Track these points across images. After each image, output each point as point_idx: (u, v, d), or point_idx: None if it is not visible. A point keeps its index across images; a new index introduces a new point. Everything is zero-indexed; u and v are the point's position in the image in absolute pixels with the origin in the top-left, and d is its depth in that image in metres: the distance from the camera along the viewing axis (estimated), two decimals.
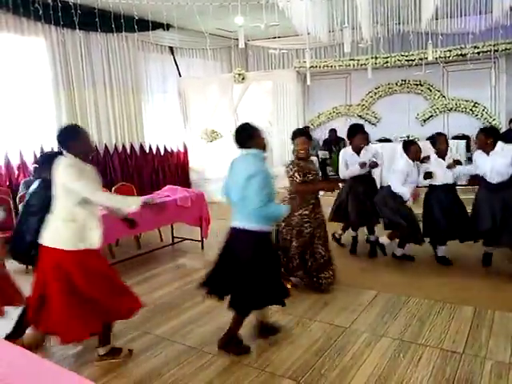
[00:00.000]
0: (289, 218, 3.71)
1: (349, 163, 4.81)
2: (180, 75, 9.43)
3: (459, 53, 8.22)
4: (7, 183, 6.45)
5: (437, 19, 7.63)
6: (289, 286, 3.66)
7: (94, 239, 2.65)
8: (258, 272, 2.74)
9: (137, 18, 8.00)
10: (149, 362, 2.87)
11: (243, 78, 8.98)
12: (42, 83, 7.10)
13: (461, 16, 7.97)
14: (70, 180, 2.54)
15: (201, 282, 2.99)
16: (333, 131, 8.90)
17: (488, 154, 3.98)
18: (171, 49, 9.45)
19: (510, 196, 3.88)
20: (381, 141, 8.50)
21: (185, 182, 8.94)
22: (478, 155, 4.12)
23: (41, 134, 7.00)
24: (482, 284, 3.89)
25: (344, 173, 4.85)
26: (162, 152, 8.89)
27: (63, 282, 2.57)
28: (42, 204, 2.86)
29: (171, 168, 8.95)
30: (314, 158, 8.22)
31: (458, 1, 7.08)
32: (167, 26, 8.88)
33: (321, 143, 9.02)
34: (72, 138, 2.66)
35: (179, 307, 3.75)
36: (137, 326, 3.39)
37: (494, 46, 8.06)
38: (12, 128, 6.69)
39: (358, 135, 4.76)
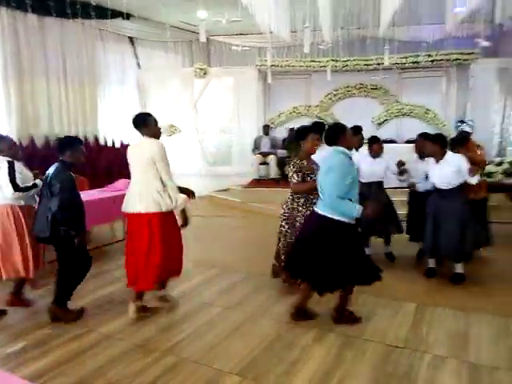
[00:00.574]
0: (292, 219, 3.66)
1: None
2: (139, 67, 9.19)
3: (414, 60, 8.57)
4: None
5: (394, 26, 7.88)
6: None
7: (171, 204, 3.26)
8: (338, 255, 2.96)
9: (95, 4, 7.75)
10: (93, 360, 2.78)
11: (205, 73, 8.92)
12: None
13: (416, 25, 8.34)
14: (162, 159, 3.24)
15: (282, 267, 3.39)
16: (292, 130, 8.99)
17: (437, 161, 3.97)
18: (131, 39, 9.20)
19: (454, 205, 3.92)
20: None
21: None
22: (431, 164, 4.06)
23: None
24: (423, 282, 4.07)
25: None
26: (118, 145, 8.64)
27: (157, 239, 3.23)
28: (62, 185, 3.16)
29: (127, 161, 8.69)
30: (272, 157, 8.35)
31: (414, 10, 7.36)
32: (127, 15, 8.62)
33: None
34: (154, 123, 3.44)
35: (127, 305, 3.65)
36: (83, 324, 3.28)
37: (446, 55, 8.46)
38: None
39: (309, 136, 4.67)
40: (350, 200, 2.93)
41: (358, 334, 3.08)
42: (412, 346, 2.91)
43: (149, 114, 3.53)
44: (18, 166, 3.51)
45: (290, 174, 3.65)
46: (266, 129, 8.84)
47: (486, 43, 7.49)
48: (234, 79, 9.11)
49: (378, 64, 8.53)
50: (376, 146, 4.56)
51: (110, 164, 8.33)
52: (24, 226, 3.46)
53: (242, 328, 3.21)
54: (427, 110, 9.11)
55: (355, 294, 3.28)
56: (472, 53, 8.37)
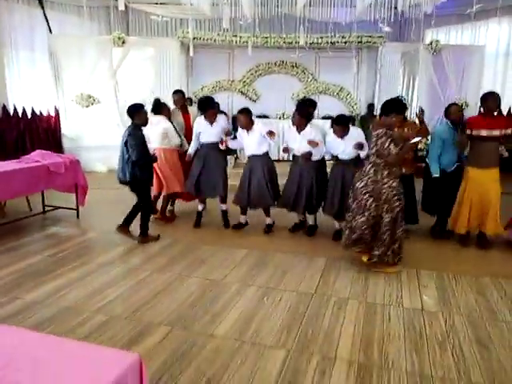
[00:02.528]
0: (377, 191, 3.57)
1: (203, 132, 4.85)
2: (51, 32, 8.58)
3: (329, 40, 9.07)
4: None
5: (310, 7, 8.26)
6: (365, 260, 3.78)
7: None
8: None
9: None
10: (20, 324, 2.81)
11: (123, 42, 8.60)
12: None
13: (331, 6, 8.81)
14: None
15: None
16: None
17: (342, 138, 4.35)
18: (40, 1, 8.51)
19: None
20: (260, 117, 9.01)
21: (57, 148, 8.30)
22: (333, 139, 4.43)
23: None
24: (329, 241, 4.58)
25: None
26: (29, 115, 8.10)
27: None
28: (136, 141, 4.12)
29: (40, 133, 8.23)
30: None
31: None
32: None
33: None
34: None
35: (51, 273, 3.65)
36: (5, 292, 3.25)
37: (357, 37, 9.09)
38: None
39: (209, 111, 4.75)
40: None
41: (274, 286, 3.45)
42: (320, 292, 3.36)
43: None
44: None
45: (386, 145, 3.49)
46: (190, 101, 8.85)
47: (387, 28, 8.18)
48: (155, 50, 8.90)
49: (296, 42, 8.90)
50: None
51: (22, 135, 7.83)
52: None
53: (170, 287, 3.42)
54: (341, 88, 9.76)
55: (270, 252, 3.63)
56: (381, 36, 9.10)
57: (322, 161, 4.63)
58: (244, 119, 4.56)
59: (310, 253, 4.19)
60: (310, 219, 4.75)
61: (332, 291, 3.38)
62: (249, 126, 4.59)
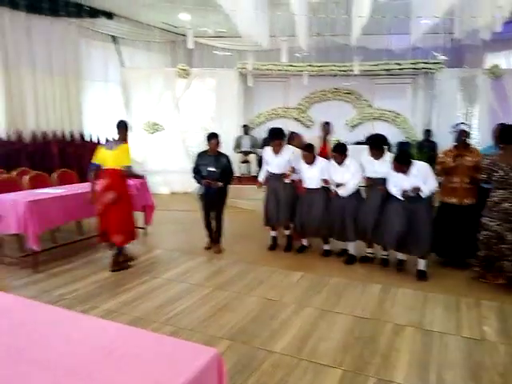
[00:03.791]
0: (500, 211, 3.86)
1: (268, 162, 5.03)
2: (123, 65, 9.44)
3: (384, 68, 9.18)
4: None
5: (364, 35, 8.45)
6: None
7: None
8: None
9: (78, 2, 7.98)
10: None
11: (187, 74, 9.25)
12: None
13: (385, 34, 8.96)
14: None
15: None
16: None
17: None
18: (114, 38, 9.43)
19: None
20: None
21: None
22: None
23: None
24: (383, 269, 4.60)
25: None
26: (103, 141, 8.87)
27: None
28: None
29: None
30: (252, 156, 8.78)
31: (383, 20, 7.94)
32: (111, 15, 8.89)
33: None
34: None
35: (124, 286, 4.01)
36: (85, 301, 3.62)
37: (413, 64, 9.12)
38: None
39: (275, 141, 4.90)
40: None
41: (330, 309, 3.56)
42: (376, 317, 3.42)
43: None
44: None
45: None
46: (246, 129, 9.27)
47: (442, 57, 8.16)
48: (216, 80, 9.48)
49: (351, 70, 9.09)
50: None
51: None
52: None
53: (230, 304, 3.64)
54: (397, 114, 9.76)
55: (325, 277, 3.75)
56: (438, 62, 9.07)
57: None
58: (309, 156, 4.77)
59: (365, 279, 4.24)
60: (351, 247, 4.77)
61: (388, 317, 3.43)
62: (312, 160, 4.80)
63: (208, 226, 5.16)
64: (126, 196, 4.44)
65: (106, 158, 4.35)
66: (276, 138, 4.91)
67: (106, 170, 4.34)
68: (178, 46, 10.98)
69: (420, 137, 9.34)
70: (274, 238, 5.24)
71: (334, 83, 9.91)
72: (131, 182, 5.58)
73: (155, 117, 9.25)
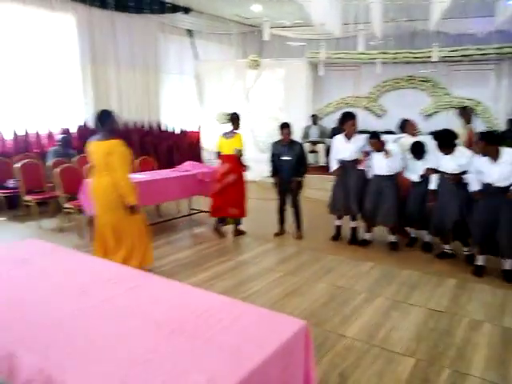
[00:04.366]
0: None
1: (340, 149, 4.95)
2: (197, 58, 9.83)
3: (464, 53, 8.65)
4: (36, 150, 6.96)
5: (444, 19, 8.02)
6: None
7: None
8: None
9: (161, 0, 8.43)
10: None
11: (257, 65, 9.41)
12: (70, 58, 7.53)
13: (465, 18, 8.41)
14: None
15: None
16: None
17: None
18: (189, 32, 9.83)
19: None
20: (385, 133, 8.97)
21: (196, 159, 9.42)
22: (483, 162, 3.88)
23: (68, 106, 7.47)
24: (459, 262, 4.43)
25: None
26: (177, 131, 9.36)
27: None
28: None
29: (184, 146, 9.44)
30: (321, 146, 8.78)
31: (464, 3, 7.47)
32: (187, 10, 9.26)
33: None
34: None
35: (201, 266, 4.28)
36: (168, 277, 3.93)
37: (497, 48, 8.49)
38: (40, 100, 7.14)
39: (348, 122, 4.85)
40: None
41: (403, 300, 3.54)
42: (451, 311, 3.35)
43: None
44: None
45: None
46: (315, 118, 9.26)
47: None
48: (285, 70, 9.55)
49: (427, 57, 8.68)
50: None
51: (171, 148, 9.08)
52: None
53: (300, 289, 3.76)
54: (478, 103, 9.17)
55: (396, 269, 3.72)
56: None
57: None
58: (377, 143, 4.69)
59: (439, 273, 4.14)
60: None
61: (464, 311, 3.34)
62: (380, 147, 4.73)
63: (281, 212, 5.31)
64: (241, 178, 5.15)
65: (224, 146, 5.14)
66: (349, 118, 4.84)
67: (225, 156, 5.11)
68: (249, 38, 11.17)
69: (503, 127, 8.71)
70: (339, 228, 5.23)
71: (408, 71, 9.53)
72: (205, 169, 5.90)
73: (226, 107, 9.54)
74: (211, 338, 1.49)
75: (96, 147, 3.61)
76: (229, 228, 5.41)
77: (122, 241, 3.73)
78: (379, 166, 4.74)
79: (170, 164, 7.68)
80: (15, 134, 6.80)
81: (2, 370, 1.40)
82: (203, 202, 6.27)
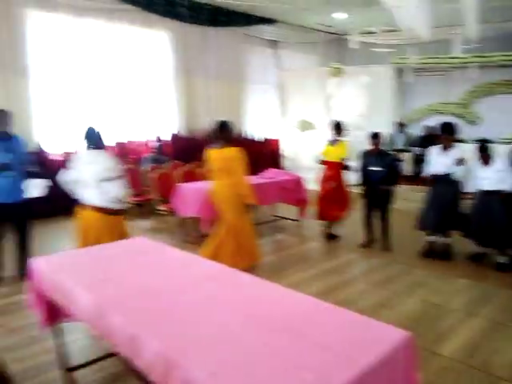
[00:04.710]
0: None
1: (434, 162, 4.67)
2: (280, 68, 10.03)
3: None
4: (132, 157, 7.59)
5: None
6: None
7: None
8: None
9: (243, 12, 8.75)
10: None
11: (340, 72, 9.34)
12: (165, 72, 8.12)
13: None
14: None
15: None
16: (430, 128, 8.86)
17: None
18: (273, 42, 10.07)
19: None
20: (479, 141, 8.38)
21: (276, 167, 9.58)
22: None
23: (162, 116, 8.05)
24: None
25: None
26: (260, 139, 9.60)
27: None
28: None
29: (266, 154, 9.65)
30: (406, 154, 8.43)
31: None
32: (271, 21, 9.51)
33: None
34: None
35: (285, 271, 4.33)
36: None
37: None
38: (138, 110, 7.78)
39: (443, 134, 4.60)
40: None
41: (504, 321, 3.27)
42: None
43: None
44: None
45: None
46: (401, 126, 8.93)
47: None
48: (369, 77, 9.36)
49: None
50: None
51: (254, 156, 9.31)
52: None
53: (390, 302, 3.64)
54: None
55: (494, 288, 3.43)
56: None
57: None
58: (486, 156, 4.40)
59: None
60: None
61: None
62: (488, 160, 4.42)
63: (368, 224, 5.18)
64: (342, 183, 5.34)
65: (329, 153, 5.35)
66: (447, 132, 4.58)
67: (329, 163, 5.30)
68: (331, 46, 11.14)
69: None
70: (430, 244, 4.95)
71: (505, 74, 8.82)
72: (288, 177, 5.98)
73: (307, 116, 9.59)
74: (314, 339, 1.52)
75: (217, 154, 3.96)
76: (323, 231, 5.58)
77: (236, 238, 4.02)
78: (487, 180, 4.42)
79: (253, 171, 7.89)
80: (117, 142, 7.49)
81: (126, 350, 1.56)
82: (286, 209, 6.35)
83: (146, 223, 6.35)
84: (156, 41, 8.05)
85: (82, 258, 2.46)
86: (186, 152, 8.15)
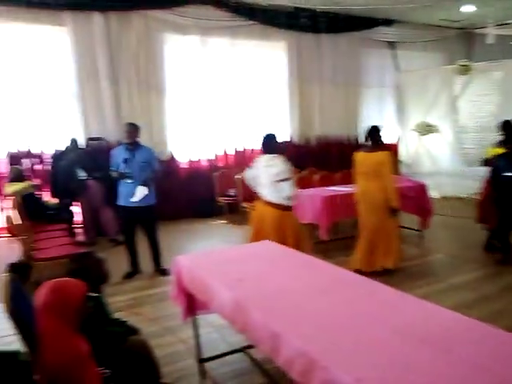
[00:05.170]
0: None
1: None
2: (398, 69, 9.58)
3: None
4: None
5: None
6: None
7: None
8: None
9: (364, 16, 8.57)
10: None
11: (468, 70, 8.55)
12: (279, 79, 8.36)
13: None
14: None
15: None
16: None
17: None
18: (390, 43, 9.66)
19: None
20: None
21: (395, 173, 9.15)
22: None
23: (276, 122, 8.29)
24: None
25: None
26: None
27: None
28: None
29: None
30: None
31: None
32: (390, 22, 9.15)
33: None
34: None
35: (411, 284, 4.04)
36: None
37: None
38: (252, 117, 8.10)
39: None
40: None
41: None
42: None
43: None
44: None
45: None
46: None
47: None
48: (503, 73, 8.39)
49: None
50: None
51: None
52: None
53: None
54: None
55: None
56: None
57: None
58: None
59: None
60: None
61: None
62: None
63: (504, 236, 4.65)
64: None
65: None
66: None
67: None
68: (455, 42, 10.28)
69: None
70: None
71: None
72: (410, 183, 5.67)
73: (429, 118, 8.98)
74: (461, 356, 1.43)
75: (365, 157, 4.18)
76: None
77: (380, 241, 4.17)
78: None
79: None
80: (236, 149, 7.95)
81: (266, 346, 1.65)
82: (405, 218, 6.02)
83: None
84: (272, 51, 8.35)
85: (218, 257, 2.69)
86: (299, 159, 8.27)
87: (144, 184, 4.41)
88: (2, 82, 6.23)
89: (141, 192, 4.40)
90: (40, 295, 1.65)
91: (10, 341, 3.00)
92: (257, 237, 3.68)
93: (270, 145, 3.84)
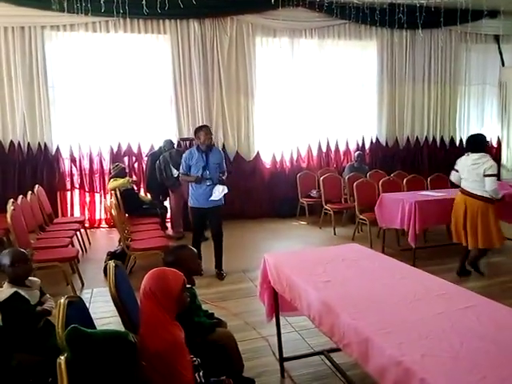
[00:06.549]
0: None
1: None
2: (503, 65, 8.73)
3: None
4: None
5: None
6: None
7: None
8: None
9: (462, 9, 7.91)
10: None
11: None
12: (369, 79, 8.08)
13: None
14: None
15: None
16: None
17: None
18: (496, 37, 8.83)
19: None
20: None
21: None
22: None
23: (363, 123, 8.03)
24: None
25: None
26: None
27: None
28: None
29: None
30: None
31: None
32: (494, 13, 8.38)
33: None
34: None
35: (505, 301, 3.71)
36: None
37: None
38: (340, 118, 7.94)
39: None
40: None
41: None
42: None
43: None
44: None
45: None
46: None
47: None
48: None
49: None
50: None
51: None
52: None
53: None
54: None
55: None
56: None
57: None
58: None
59: None
60: None
61: None
62: None
63: None
64: None
65: None
66: None
67: None
68: None
69: None
70: None
71: None
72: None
73: None
74: None
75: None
76: None
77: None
78: None
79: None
80: (319, 150, 7.86)
81: (356, 351, 1.60)
82: (506, 227, 5.47)
83: (344, 230, 6.46)
84: (362, 50, 8.10)
85: (304, 257, 2.69)
86: (385, 161, 7.94)
87: (221, 183, 4.48)
88: (110, 86, 6.87)
89: (220, 191, 4.45)
90: (144, 282, 1.77)
91: (108, 322, 3.32)
92: (456, 226, 4.40)
93: (481, 144, 4.22)
